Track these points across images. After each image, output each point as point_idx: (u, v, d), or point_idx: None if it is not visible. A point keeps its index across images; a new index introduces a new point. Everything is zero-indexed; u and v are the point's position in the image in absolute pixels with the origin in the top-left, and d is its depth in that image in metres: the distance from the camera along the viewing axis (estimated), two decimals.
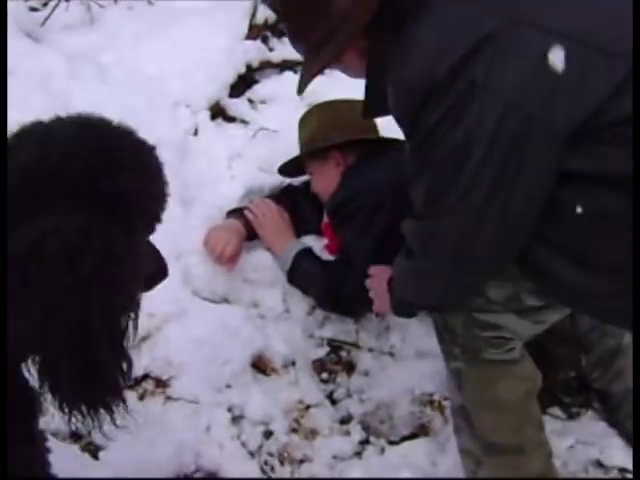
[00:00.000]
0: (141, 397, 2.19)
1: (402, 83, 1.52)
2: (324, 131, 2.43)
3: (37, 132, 1.30)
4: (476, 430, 1.85)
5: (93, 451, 2.06)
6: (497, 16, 1.43)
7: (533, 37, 1.41)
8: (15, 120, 2.42)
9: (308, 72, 1.69)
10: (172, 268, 2.43)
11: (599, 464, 2.14)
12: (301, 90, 1.71)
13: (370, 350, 2.39)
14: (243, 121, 3.01)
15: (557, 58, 1.38)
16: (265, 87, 3.15)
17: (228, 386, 2.23)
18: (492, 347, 1.76)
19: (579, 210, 1.46)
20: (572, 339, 2.19)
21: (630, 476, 2.09)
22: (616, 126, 1.40)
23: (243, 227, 2.49)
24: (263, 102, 3.10)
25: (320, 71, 1.68)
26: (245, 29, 3.21)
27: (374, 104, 1.68)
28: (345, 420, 2.24)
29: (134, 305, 1.34)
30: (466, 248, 1.56)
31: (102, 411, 1.36)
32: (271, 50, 3.26)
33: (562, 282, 1.56)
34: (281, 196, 2.62)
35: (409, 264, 1.74)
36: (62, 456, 1.98)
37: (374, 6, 1.55)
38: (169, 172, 2.71)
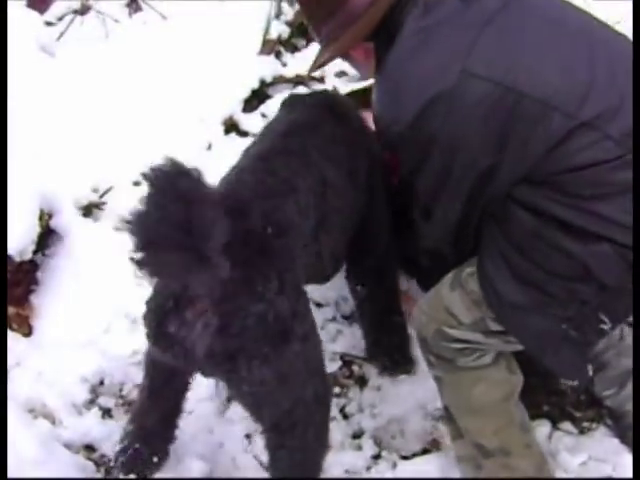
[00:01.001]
0: None
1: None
2: None
3: None
4: (465, 434, 1.91)
5: (106, 463, 2.07)
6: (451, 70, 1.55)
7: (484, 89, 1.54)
8: (32, 134, 2.48)
9: (319, 59, 1.86)
10: None
11: None
12: (310, 71, 1.94)
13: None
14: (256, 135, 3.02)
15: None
16: (278, 102, 3.13)
17: None
18: (462, 356, 1.83)
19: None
20: None
21: None
22: (555, 175, 1.54)
23: None
24: None
25: (327, 62, 1.85)
26: (259, 44, 3.23)
27: None
28: (357, 435, 2.25)
29: None
30: None
31: None
32: (284, 65, 3.28)
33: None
34: None
35: None
36: (74, 469, 2.00)
37: (381, 14, 1.68)
38: None
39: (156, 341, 1.61)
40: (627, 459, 2.14)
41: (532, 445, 1.91)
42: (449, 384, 1.90)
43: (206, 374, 1.68)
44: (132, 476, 1.96)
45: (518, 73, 1.53)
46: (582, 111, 1.51)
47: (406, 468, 2.16)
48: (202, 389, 2.20)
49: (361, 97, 2.40)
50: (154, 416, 1.94)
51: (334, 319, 2.52)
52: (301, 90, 3.15)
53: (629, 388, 2.16)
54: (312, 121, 2.01)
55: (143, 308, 1.70)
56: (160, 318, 1.57)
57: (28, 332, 2.32)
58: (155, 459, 1.97)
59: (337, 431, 2.20)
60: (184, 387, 1.95)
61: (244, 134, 3.03)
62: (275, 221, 1.63)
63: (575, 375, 1.75)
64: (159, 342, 1.59)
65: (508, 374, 1.89)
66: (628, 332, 2.24)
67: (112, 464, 2.00)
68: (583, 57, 1.56)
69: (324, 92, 2.43)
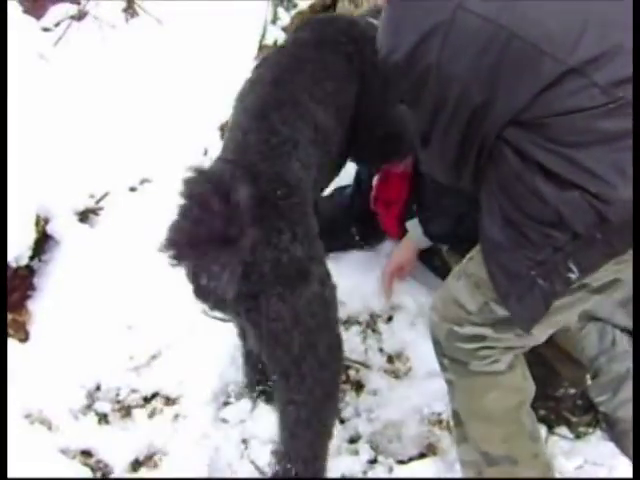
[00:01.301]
0: (151, 415, 2.21)
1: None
2: None
3: None
4: (471, 440, 1.89)
5: (103, 469, 2.08)
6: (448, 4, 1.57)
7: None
8: (29, 140, 2.49)
9: None
10: (182, 288, 2.48)
11: None
12: None
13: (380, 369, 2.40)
14: None
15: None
16: None
17: (237, 404, 2.24)
18: (476, 359, 1.80)
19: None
20: (579, 361, 2.20)
21: None
22: (542, 118, 1.56)
23: None
24: None
25: None
26: (255, 50, 3.24)
27: None
28: (354, 439, 2.25)
29: None
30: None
31: None
32: None
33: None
34: None
35: None
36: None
37: None
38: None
39: (196, 294, 1.79)
40: (622, 463, 2.15)
41: (540, 455, 1.89)
42: (461, 388, 1.88)
43: (235, 315, 1.89)
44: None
45: (512, 13, 1.55)
46: (572, 57, 1.52)
47: (403, 473, 2.16)
48: (199, 395, 2.20)
49: None
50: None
51: None
52: None
53: (622, 394, 2.17)
54: (298, 59, 2.09)
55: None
56: (193, 274, 1.74)
57: (25, 338, 2.33)
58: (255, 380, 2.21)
59: (334, 436, 2.21)
60: None
61: None
62: (284, 183, 1.80)
63: (528, 326, 1.71)
64: (198, 294, 1.78)
65: (522, 381, 1.87)
66: (620, 338, 2.25)
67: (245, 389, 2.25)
68: (579, 7, 1.58)
69: (318, 20, 2.46)
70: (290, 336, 1.79)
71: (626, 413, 2.15)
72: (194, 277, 1.72)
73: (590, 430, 2.25)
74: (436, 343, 1.88)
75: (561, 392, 2.23)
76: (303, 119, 1.95)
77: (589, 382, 2.24)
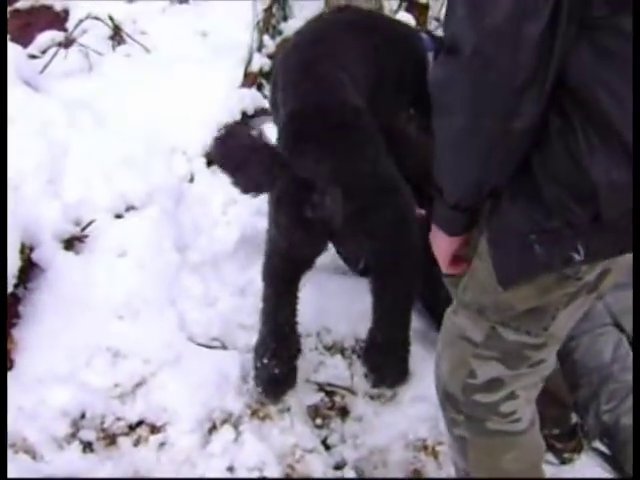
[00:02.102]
0: (136, 443, 2.20)
1: None
2: None
3: None
4: None
5: None
6: None
7: None
8: (14, 166, 2.50)
9: None
10: (167, 314, 2.50)
11: None
12: None
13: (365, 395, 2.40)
14: None
15: None
16: None
17: (222, 432, 2.24)
18: (497, 416, 1.68)
19: None
20: (563, 400, 2.21)
21: None
22: None
23: None
24: None
25: None
26: (240, 77, 3.27)
27: None
28: (339, 465, 2.25)
29: None
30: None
31: None
32: (266, 97, 3.30)
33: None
34: None
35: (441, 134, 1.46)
36: None
37: None
38: (165, 219, 2.78)
39: (299, 229, 2.01)
40: None
41: None
42: (477, 447, 1.74)
43: (340, 239, 2.20)
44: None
45: None
46: None
47: None
48: (184, 422, 2.20)
49: None
50: (283, 314, 2.30)
51: (316, 349, 2.52)
52: None
53: (630, 402, 2.18)
54: (334, 31, 2.49)
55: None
56: (295, 211, 1.96)
57: (9, 366, 2.31)
58: (291, 354, 2.31)
59: (319, 463, 2.21)
60: (298, 286, 2.32)
61: None
62: (351, 107, 2.15)
63: (507, 280, 1.50)
64: (302, 228, 1.99)
65: (540, 440, 1.79)
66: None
67: (254, 371, 2.31)
68: None
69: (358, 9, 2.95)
70: (390, 243, 2.15)
71: (627, 421, 2.16)
72: (295, 211, 1.94)
73: (575, 456, 2.26)
74: (448, 399, 1.73)
75: (544, 433, 2.23)
76: (342, 69, 2.27)
77: (574, 420, 2.25)
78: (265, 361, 2.28)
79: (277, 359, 2.28)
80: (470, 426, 1.71)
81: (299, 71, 2.30)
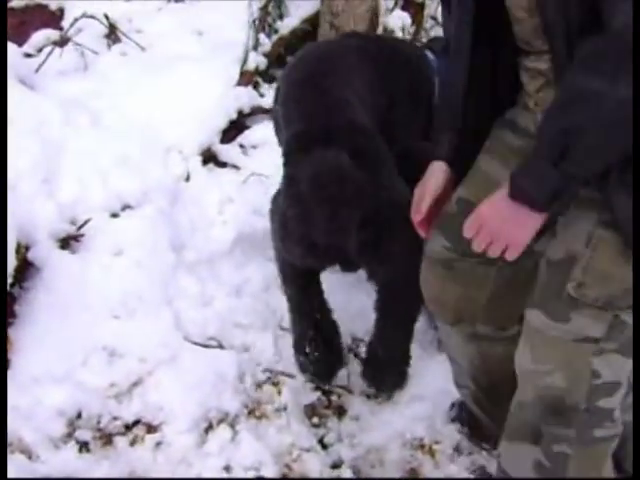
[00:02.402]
0: (132, 443, 2.20)
1: None
2: None
3: None
4: None
5: None
6: None
7: None
8: (9, 165, 2.49)
9: None
10: (163, 313, 2.49)
11: None
12: None
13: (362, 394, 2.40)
14: (234, 166, 3.05)
15: None
16: (256, 133, 3.19)
17: (219, 431, 2.23)
18: (610, 421, 1.67)
19: None
20: None
21: None
22: None
23: None
24: (254, 147, 3.14)
25: None
26: (236, 75, 3.26)
27: None
28: (336, 465, 2.24)
29: None
30: None
31: None
32: (262, 96, 3.31)
33: None
34: None
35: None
36: None
37: None
38: (161, 218, 2.78)
39: (309, 256, 2.05)
40: None
41: None
42: (580, 460, 1.67)
43: (350, 264, 2.17)
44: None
45: None
46: None
47: None
48: (180, 422, 2.20)
49: None
50: (312, 305, 2.29)
51: None
52: None
53: (629, 399, 2.17)
54: (340, 51, 2.45)
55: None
56: (307, 239, 1.99)
57: (5, 365, 2.31)
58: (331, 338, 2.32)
59: (316, 462, 2.19)
60: (319, 278, 2.32)
61: (222, 165, 3.05)
62: (360, 129, 2.07)
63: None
64: (312, 256, 2.04)
65: None
66: None
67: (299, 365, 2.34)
68: None
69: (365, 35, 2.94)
70: (401, 268, 2.09)
71: (628, 417, 2.16)
72: (308, 239, 1.94)
73: None
74: (560, 413, 1.64)
75: None
76: (348, 85, 2.21)
77: None
78: (308, 350, 2.29)
79: (319, 346, 2.28)
80: (579, 438, 1.65)
81: (304, 87, 2.24)
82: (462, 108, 1.82)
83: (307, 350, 2.30)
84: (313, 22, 3.49)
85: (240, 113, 3.18)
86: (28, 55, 3.37)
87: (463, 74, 1.78)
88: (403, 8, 3.68)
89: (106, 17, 3.45)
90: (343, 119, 2.08)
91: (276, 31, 3.52)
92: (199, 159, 2.97)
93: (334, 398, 2.40)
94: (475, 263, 1.82)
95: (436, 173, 1.85)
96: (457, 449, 2.27)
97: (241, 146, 3.13)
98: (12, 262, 2.32)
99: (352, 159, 1.95)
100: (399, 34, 3.52)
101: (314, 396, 2.39)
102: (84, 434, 2.21)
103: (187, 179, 2.91)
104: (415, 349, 2.39)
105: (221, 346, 2.45)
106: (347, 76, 2.27)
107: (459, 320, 1.95)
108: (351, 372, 2.44)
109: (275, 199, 2.23)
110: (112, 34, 3.47)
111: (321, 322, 2.31)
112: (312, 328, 2.29)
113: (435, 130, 2.03)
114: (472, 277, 1.87)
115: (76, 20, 3.40)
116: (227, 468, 2.16)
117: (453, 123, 1.84)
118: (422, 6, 3.77)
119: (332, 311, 2.34)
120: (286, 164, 2.13)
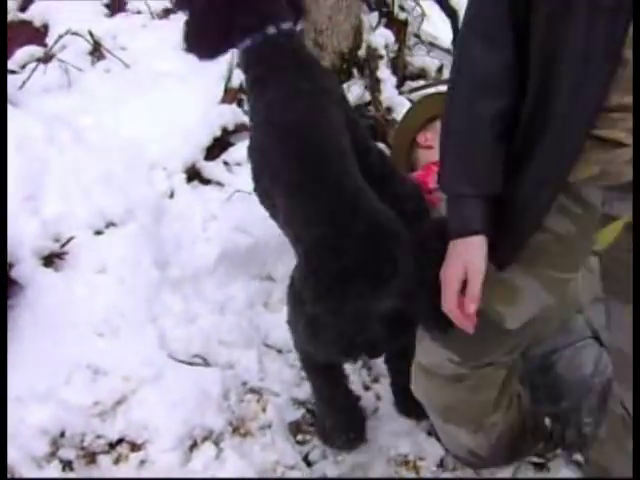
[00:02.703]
0: (116, 461, 2.19)
1: None
2: None
3: None
4: None
5: None
6: None
7: None
8: None
9: None
10: (147, 331, 2.48)
11: None
12: None
13: None
14: (219, 183, 3.04)
15: None
16: (240, 150, 3.18)
17: (203, 449, 2.23)
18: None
19: None
20: (535, 429, 2.23)
21: None
22: None
23: None
24: (238, 164, 3.14)
25: None
26: (220, 93, 3.27)
27: None
28: None
29: None
30: None
31: None
32: (246, 113, 3.31)
33: None
34: None
35: None
36: None
37: None
38: (145, 235, 2.77)
39: (341, 356, 2.03)
40: None
41: None
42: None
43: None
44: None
45: None
46: None
47: None
48: (164, 440, 2.19)
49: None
50: (338, 392, 2.23)
51: (296, 365, 2.52)
52: None
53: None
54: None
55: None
56: (347, 342, 1.93)
57: None
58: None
59: None
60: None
61: (206, 182, 3.05)
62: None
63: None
64: (345, 355, 2.02)
65: None
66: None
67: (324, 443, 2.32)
68: None
69: None
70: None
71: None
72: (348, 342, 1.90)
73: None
74: None
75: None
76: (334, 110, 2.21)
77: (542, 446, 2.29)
78: (330, 430, 2.28)
79: (342, 430, 2.26)
80: None
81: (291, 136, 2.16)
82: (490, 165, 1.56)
83: (329, 431, 2.28)
84: None
85: (224, 130, 3.18)
86: (12, 72, 3.36)
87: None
88: (386, 26, 3.71)
89: (90, 34, 3.45)
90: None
91: None
92: (183, 176, 2.97)
93: None
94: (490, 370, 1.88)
95: (477, 251, 1.56)
96: (441, 465, 2.28)
97: (225, 163, 3.13)
98: None
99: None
100: (382, 52, 3.54)
101: (298, 413, 2.39)
102: (68, 453, 2.20)
103: (171, 196, 2.91)
104: None
105: (206, 363, 2.44)
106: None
107: (480, 427, 2.03)
108: None
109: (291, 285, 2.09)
110: (96, 51, 3.47)
111: (344, 406, 2.26)
112: (334, 412, 2.25)
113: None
114: (484, 382, 1.91)
115: (60, 37, 3.40)
116: None
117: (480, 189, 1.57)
118: (405, 24, 3.80)
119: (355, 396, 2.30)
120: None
